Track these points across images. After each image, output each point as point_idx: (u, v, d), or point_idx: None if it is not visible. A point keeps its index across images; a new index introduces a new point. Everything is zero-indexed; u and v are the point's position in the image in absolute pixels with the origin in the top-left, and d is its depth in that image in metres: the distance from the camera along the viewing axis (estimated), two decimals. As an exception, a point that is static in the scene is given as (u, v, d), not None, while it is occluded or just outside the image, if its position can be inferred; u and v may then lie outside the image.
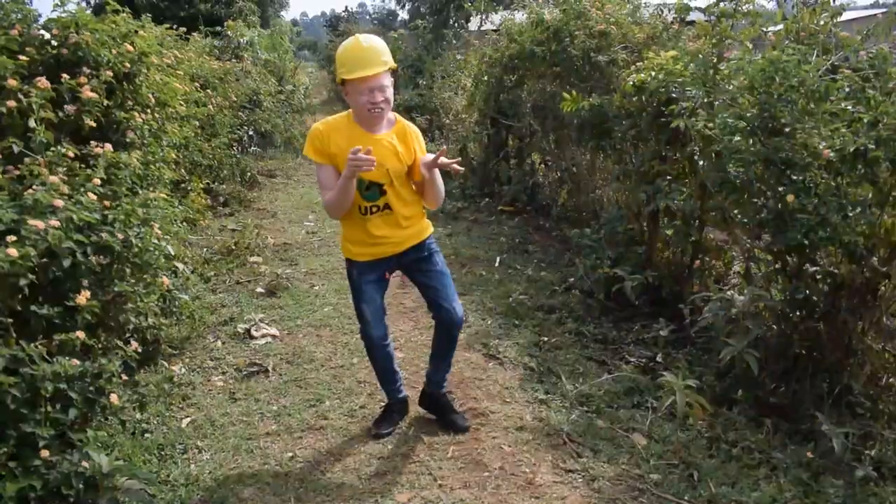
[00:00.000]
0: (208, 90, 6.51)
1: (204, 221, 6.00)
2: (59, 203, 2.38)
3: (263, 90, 9.20)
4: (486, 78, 6.94)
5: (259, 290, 4.70)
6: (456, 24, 17.23)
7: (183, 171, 5.26)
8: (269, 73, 10.32)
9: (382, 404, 3.19)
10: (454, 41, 12.90)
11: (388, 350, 2.93)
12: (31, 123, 2.67)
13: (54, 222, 2.31)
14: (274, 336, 3.99)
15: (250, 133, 8.92)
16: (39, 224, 2.27)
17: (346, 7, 27.08)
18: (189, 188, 5.67)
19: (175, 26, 5.87)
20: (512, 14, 7.03)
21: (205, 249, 5.38)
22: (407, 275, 2.92)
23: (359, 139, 2.53)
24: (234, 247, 5.40)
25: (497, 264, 5.32)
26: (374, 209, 2.66)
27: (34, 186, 2.43)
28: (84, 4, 18.33)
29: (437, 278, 2.80)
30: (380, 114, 2.54)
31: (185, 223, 4.83)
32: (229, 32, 9.89)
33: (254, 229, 5.70)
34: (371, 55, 2.48)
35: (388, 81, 2.53)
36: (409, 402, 3.10)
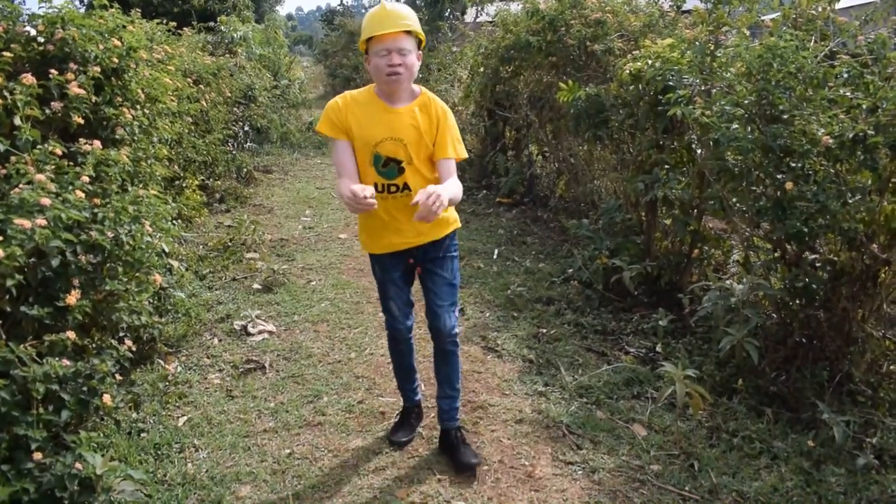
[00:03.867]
0: (201, 86, 6.46)
1: (199, 218, 5.96)
2: (47, 202, 2.34)
3: (258, 85, 9.13)
4: (482, 69, 6.89)
5: (255, 286, 4.67)
6: (451, 16, 17.14)
7: (177, 167, 5.21)
8: (263, 68, 10.25)
9: (381, 399, 3.19)
10: (450, 33, 12.82)
11: (411, 343, 2.84)
12: (17, 121, 2.63)
13: (41, 221, 2.27)
14: (271, 332, 3.97)
15: (246, 129, 8.87)
16: (26, 223, 2.23)
17: (342, 1, 26.90)
18: (184, 185, 5.63)
19: (166, 21, 5.81)
20: (507, 5, 6.99)
21: (200, 246, 5.35)
22: (417, 270, 2.73)
23: (378, 113, 2.43)
24: (229, 243, 5.36)
25: (495, 256, 5.29)
26: (393, 188, 2.48)
27: (20, 185, 2.39)
28: (77, 3, 18.24)
29: (441, 286, 2.62)
30: (397, 80, 2.36)
31: (179, 220, 4.80)
32: (223, 27, 9.81)
33: (250, 225, 5.66)
34: (393, 17, 2.34)
35: (409, 46, 2.35)
36: (422, 406, 3.02)
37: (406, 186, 2.47)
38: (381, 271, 2.67)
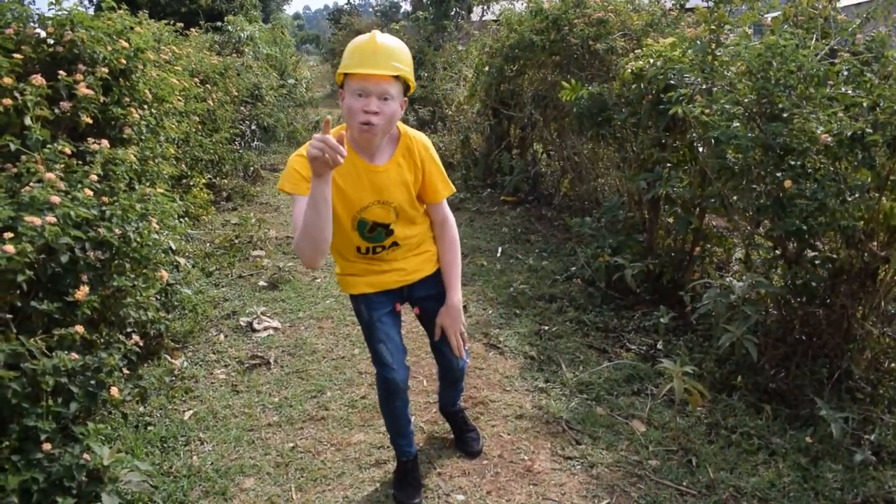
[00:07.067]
0: (208, 85, 6.52)
1: (206, 216, 6.03)
2: (56, 199, 2.40)
3: (265, 84, 9.19)
4: (486, 68, 6.92)
5: (261, 283, 4.73)
6: (457, 16, 17.17)
7: (184, 166, 5.28)
8: (270, 67, 10.31)
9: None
10: (455, 32, 12.85)
11: (407, 398, 2.48)
12: (27, 121, 2.69)
13: (51, 218, 2.33)
14: (276, 328, 4.02)
15: (252, 127, 8.93)
16: (36, 220, 2.28)
17: (349, 0, 26.98)
18: (191, 183, 5.69)
19: (174, 22, 5.87)
20: (512, 4, 7.01)
21: (207, 244, 5.41)
22: (415, 310, 2.50)
23: (360, 173, 2.07)
24: (235, 241, 5.42)
25: (499, 254, 5.32)
26: (379, 249, 2.23)
27: (31, 184, 2.44)
28: (87, 3, 18.37)
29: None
30: (369, 131, 1.95)
31: (187, 218, 4.86)
32: (230, 27, 9.89)
33: (256, 223, 5.72)
34: (383, 55, 1.93)
35: (394, 91, 1.95)
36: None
37: (394, 244, 2.24)
38: (368, 309, 2.32)
